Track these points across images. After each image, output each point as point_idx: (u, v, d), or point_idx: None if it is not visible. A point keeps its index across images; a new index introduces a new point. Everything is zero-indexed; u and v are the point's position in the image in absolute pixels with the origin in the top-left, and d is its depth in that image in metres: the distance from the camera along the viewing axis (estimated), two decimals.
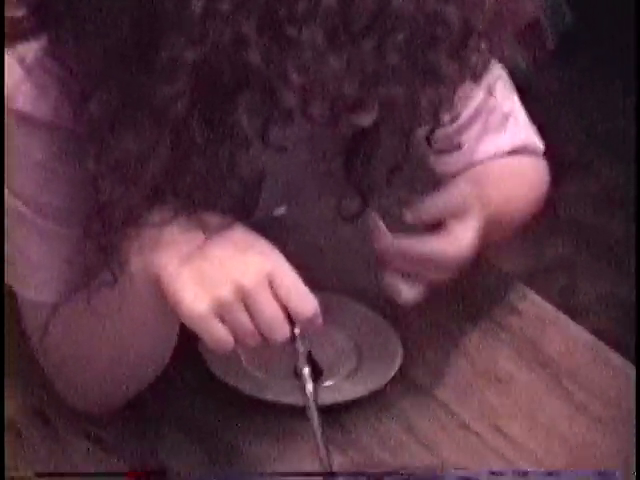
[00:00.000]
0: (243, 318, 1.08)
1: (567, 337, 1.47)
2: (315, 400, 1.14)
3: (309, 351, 1.15)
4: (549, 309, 1.51)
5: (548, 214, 1.39)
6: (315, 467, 1.13)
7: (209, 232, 1.12)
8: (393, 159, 1.27)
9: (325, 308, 1.28)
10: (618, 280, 2.77)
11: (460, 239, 1.31)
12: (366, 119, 1.10)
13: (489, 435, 1.33)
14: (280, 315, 1.09)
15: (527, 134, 1.50)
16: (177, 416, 1.34)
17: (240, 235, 1.13)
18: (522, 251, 1.42)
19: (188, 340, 1.29)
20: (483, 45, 1.14)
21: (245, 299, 1.07)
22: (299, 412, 1.23)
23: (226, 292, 1.07)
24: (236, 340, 1.08)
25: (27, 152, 1.19)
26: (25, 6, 1.15)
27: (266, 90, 1.03)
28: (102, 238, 1.16)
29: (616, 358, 1.45)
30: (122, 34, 1.06)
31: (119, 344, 1.23)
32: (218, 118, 1.08)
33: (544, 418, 1.34)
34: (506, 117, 1.44)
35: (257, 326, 1.08)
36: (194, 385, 1.37)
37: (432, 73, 1.10)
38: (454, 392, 1.37)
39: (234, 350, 1.30)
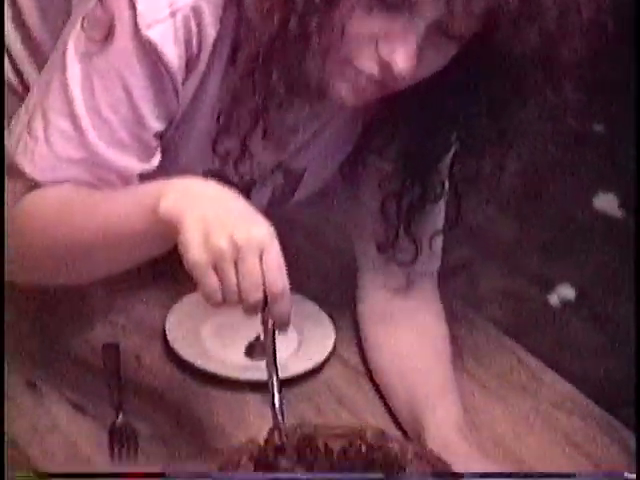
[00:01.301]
0: (231, 273, 1.10)
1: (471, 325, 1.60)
2: (276, 369, 1.18)
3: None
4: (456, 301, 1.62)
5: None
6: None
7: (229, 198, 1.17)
8: None
9: None
10: (510, 276, 2.92)
11: None
12: None
13: None
14: (260, 280, 1.10)
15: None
16: (146, 388, 1.39)
17: (247, 207, 1.16)
18: None
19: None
20: None
21: (237, 258, 1.09)
22: (252, 388, 1.37)
23: (225, 247, 1.09)
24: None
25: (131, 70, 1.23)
26: None
27: None
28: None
29: (510, 342, 1.59)
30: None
31: (92, 235, 1.23)
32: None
33: None
34: None
35: (239, 284, 1.10)
36: (161, 362, 1.44)
37: None
38: None
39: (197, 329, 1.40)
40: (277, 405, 1.19)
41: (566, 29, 1.20)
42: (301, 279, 1.48)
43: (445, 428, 1.34)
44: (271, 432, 1.18)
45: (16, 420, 1.32)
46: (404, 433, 1.39)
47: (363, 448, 1.18)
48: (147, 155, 1.29)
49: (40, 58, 1.43)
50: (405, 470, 1.17)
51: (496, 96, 1.29)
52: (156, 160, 1.30)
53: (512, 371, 1.51)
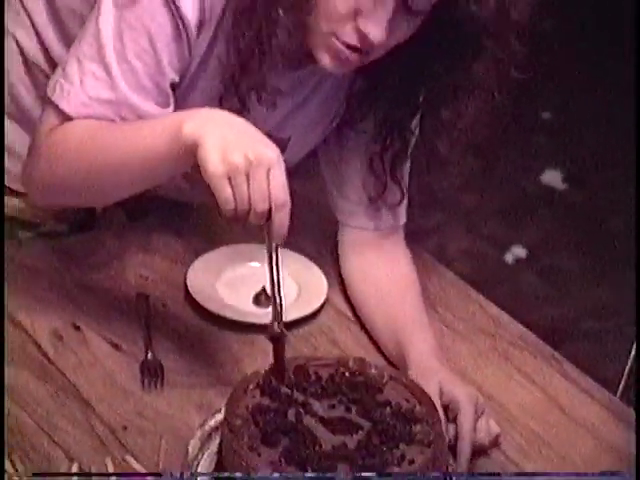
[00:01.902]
0: (243, 185, 1.08)
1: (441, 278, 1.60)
2: (277, 255, 1.16)
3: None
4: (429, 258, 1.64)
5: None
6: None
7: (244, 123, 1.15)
8: None
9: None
10: (473, 238, 2.93)
11: None
12: None
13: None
14: (266, 192, 1.09)
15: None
16: (171, 330, 1.41)
17: (258, 132, 1.14)
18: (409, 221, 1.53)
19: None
20: None
21: (249, 172, 1.08)
22: (258, 330, 1.35)
23: (239, 161, 1.08)
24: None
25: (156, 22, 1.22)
26: None
27: None
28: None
29: (474, 292, 1.59)
30: None
31: (116, 167, 1.22)
32: None
33: None
34: None
35: (250, 195, 1.09)
36: (183, 309, 1.45)
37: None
38: None
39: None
40: (277, 305, 1.18)
41: None
42: (296, 239, 1.47)
43: (425, 355, 1.35)
44: (272, 365, 1.18)
45: (63, 355, 1.34)
46: (391, 365, 1.39)
47: (347, 374, 1.20)
48: (164, 102, 1.28)
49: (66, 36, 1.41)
50: (383, 391, 1.18)
51: (454, 55, 1.30)
52: (171, 108, 1.29)
53: (475, 315, 1.52)
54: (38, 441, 1.22)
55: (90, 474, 1.19)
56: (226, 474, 1.12)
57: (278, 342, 1.19)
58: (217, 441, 1.20)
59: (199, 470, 1.18)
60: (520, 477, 1.27)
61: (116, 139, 1.23)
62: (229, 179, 1.09)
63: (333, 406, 1.16)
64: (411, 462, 1.09)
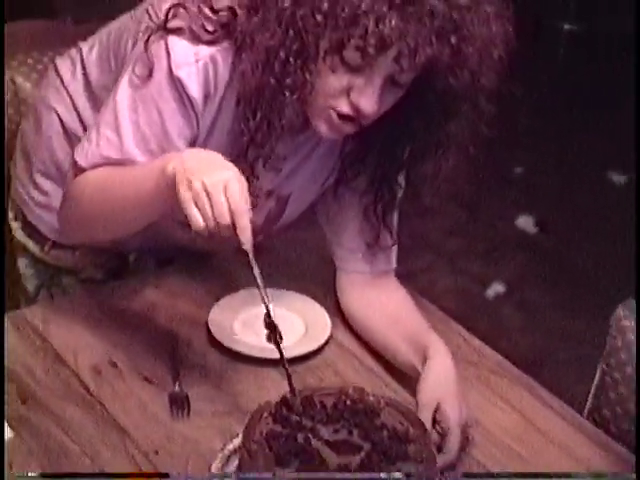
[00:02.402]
0: (206, 205, 1.11)
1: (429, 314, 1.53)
2: (262, 279, 1.17)
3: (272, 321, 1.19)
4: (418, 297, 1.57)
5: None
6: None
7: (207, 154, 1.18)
8: None
9: (283, 301, 1.43)
10: (457, 277, 2.94)
11: None
12: None
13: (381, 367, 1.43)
14: (225, 207, 1.11)
15: None
16: (195, 364, 1.40)
17: (218, 159, 1.17)
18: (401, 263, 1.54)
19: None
20: None
21: (208, 192, 1.11)
22: (271, 364, 1.35)
23: (197, 186, 1.11)
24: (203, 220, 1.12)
25: (163, 100, 1.25)
26: (215, 23, 1.23)
27: None
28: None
29: (458, 326, 1.55)
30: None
31: (121, 204, 1.25)
32: None
33: None
34: None
35: (213, 212, 1.11)
36: (206, 346, 1.44)
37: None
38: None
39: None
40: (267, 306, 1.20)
41: (484, 66, 1.23)
42: (301, 282, 1.55)
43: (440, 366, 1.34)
44: (284, 396, 1.18)
45: (102, 388, 1.34)
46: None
47: (348, 401, 1.19)
48: None
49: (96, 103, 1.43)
50: (380, 416, 1.18)
51: (432, 117, 1.30)
52: None
53: (460, 348, 1.50)
54: (82, 464, 1.22)
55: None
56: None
57: (274, 330, 1.20)
58: (236, 462, 1.19)
59: None
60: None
61: (118, 184, 1.26)
62: (195, 203, 1.11)
63: (337, 430, 1.15)
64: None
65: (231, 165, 1.16)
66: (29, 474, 1.16)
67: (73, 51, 1.52)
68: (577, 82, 3.60)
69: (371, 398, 1.21)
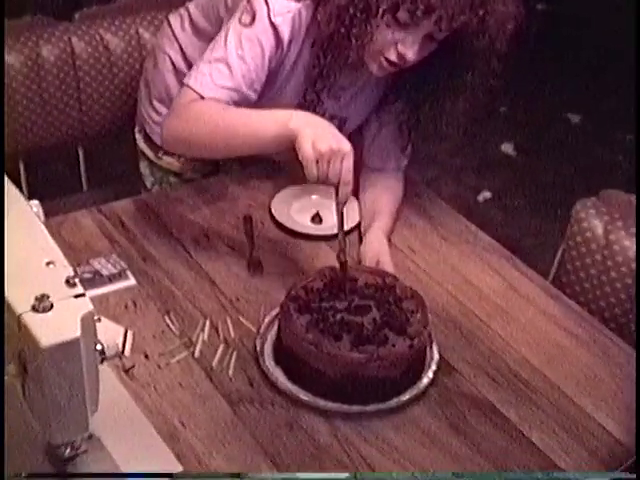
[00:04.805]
0: (325, 167, 1.04)
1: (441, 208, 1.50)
2: (342, 224, 1.12)
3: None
4: (434, 196, 1.53)
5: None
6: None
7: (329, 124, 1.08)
8: None
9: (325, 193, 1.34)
10: (456, 187, 2.84)
11: None
12: None
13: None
14: (339, 173, 1.05)
15: None
16: (265, 239, 1.35)
17: (337, 131, 1.08)
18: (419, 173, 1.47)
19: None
20: None
21: (330, 158, 1.04)
22: (320, 239, 1.32)
23: (324, 150, 1.04)
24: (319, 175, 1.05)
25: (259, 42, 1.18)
26: None
27: None
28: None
29: (461, 217, 1.48)
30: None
31: (240, 140, 1.15)
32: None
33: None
34: None
35: (328, 172, 1.05)
36: (271, 226, 1.39)
37: None
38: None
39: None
40: (341, 241, 1.14)
41: (500, 34, 1.18)
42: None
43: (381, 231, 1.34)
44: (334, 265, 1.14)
45: (199, 253, 1.30)
46: None
47: (379, 281, 1.15)
48: (257, 92, 1.24)
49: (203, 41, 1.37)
50: (398, 295, 1.12)
51: (455, 67, 1.25)
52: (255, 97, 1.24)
53: (461, 232, 1.45)
54: (185, 306, 1.20)
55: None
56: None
57: (342, 265, 1.15)
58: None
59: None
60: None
61: (239, 119, 1.16)
62: (316, 161, 1.04)
63: (361, 297, 1.12)
64: (393, 345, 1.04)
65: (346, 140, 1.07)
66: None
67: (182, 9, 1.49)
68: (550, 52, 3.42)
69: (392, 280, 1.15)
